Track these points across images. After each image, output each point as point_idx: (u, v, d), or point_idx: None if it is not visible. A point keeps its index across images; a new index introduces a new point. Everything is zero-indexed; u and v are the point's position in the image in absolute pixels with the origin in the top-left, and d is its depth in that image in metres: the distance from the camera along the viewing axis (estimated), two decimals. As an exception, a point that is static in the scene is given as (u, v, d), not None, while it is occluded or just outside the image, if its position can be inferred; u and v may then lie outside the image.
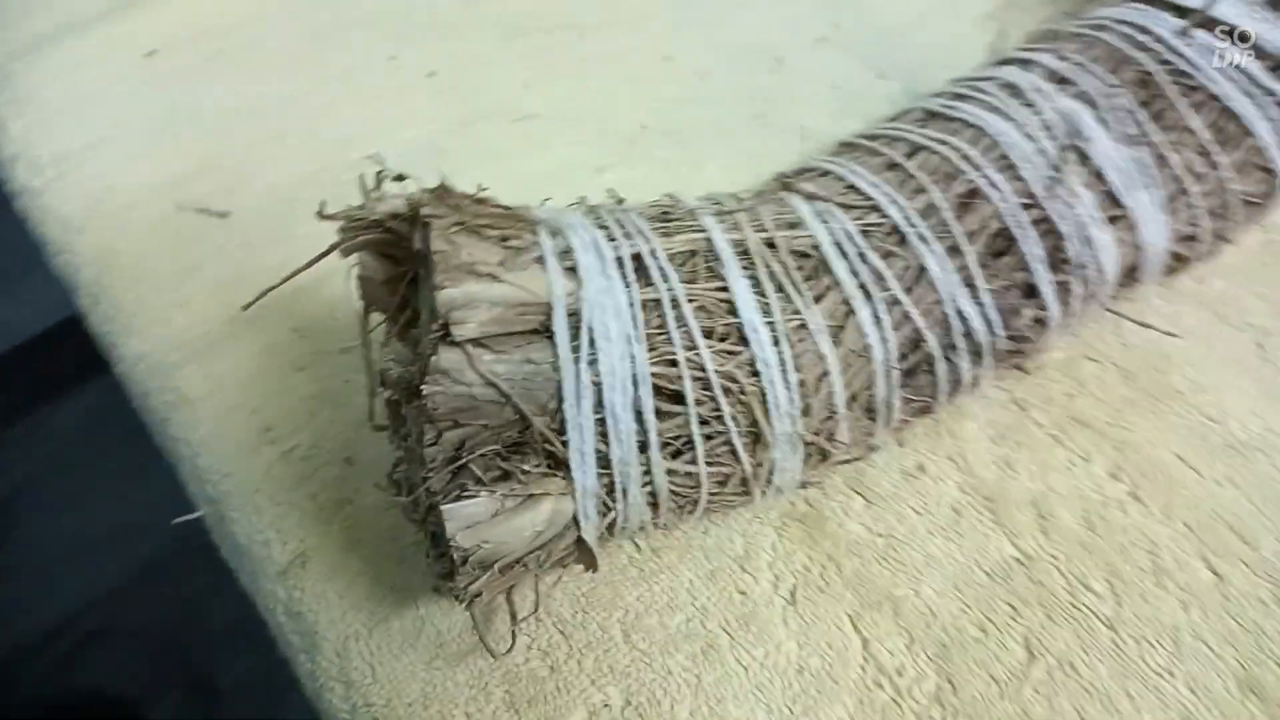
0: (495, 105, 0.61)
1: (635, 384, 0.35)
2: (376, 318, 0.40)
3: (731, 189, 0.56)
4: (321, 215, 0.38)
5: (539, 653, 0.40)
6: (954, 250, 0.40)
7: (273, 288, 0.40)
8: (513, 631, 0.39)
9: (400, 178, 0.37)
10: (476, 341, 0.33)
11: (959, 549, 0.43)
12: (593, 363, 0.34)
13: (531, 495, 0.35)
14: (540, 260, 0.35)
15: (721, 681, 0.40)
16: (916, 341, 0.40)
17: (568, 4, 0.68)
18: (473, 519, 0.34)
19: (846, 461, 0.42)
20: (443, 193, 0.35)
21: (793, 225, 0.40)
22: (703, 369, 0.36)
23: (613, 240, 0.36)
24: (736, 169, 0.56)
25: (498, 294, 0.33)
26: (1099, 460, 0.45)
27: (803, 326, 0.38)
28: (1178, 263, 0.47)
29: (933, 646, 0.41)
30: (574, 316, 0.34)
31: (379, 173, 0.37)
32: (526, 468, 0.35)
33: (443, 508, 0.34)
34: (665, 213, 0.39)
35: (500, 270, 0.34)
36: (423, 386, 0.32)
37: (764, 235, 0.39)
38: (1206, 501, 0.44)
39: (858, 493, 0.45)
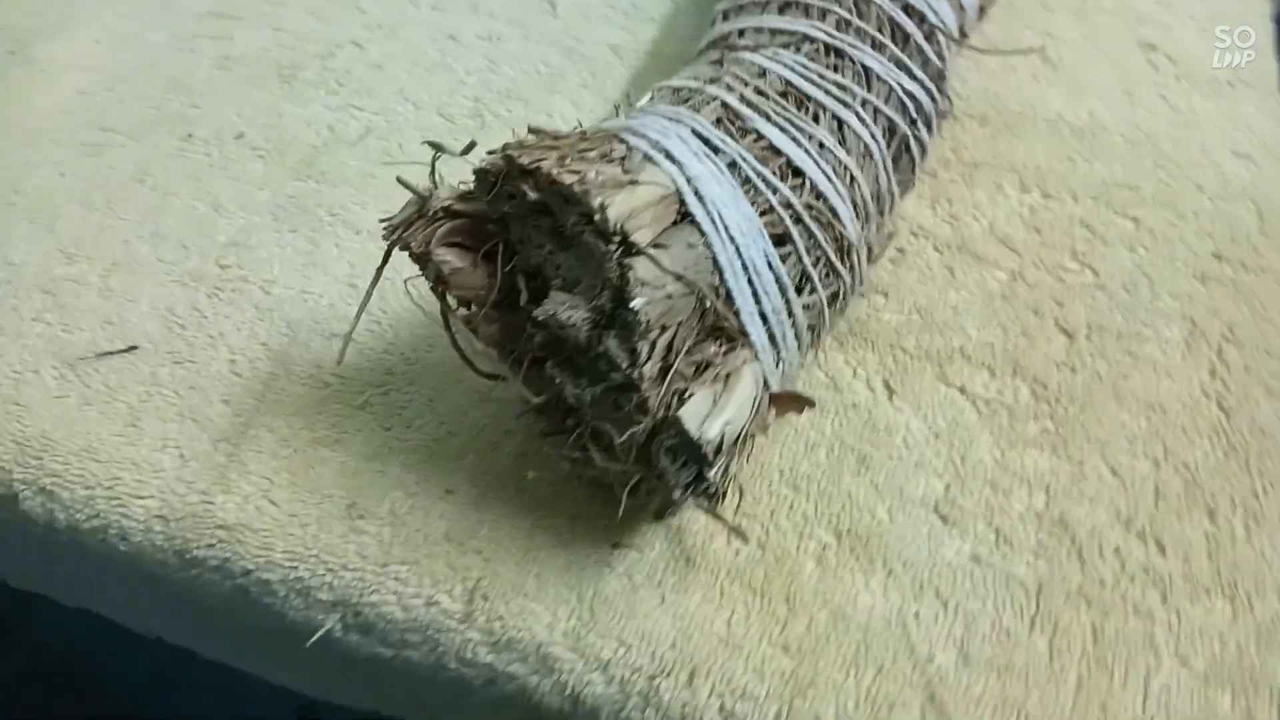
0: (332, 137, 0.58)
1: (761, 239, 0.38)
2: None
3: (590, 116, 0.58)
4: (385, 225, 0.36)
5: (725, 542, 0.42)
6: (877, 45, 0.46)
7: (350, 333, 0.37)
8: (736, 529, 0.40)
9: (469, 147, 0.36)
10: (654, 244, 0.34)
11: (968, 291, 0.50)
12: (728, 229, 0.36)
13: (730, 372, 0.36)
14: (647, 159, 0.36)
15: (887, 477, 0.44)
16: (891, 129, 0.46)
17: (330, 32, 0.65)
18: (702, 413, 0.35)
19: (878, 259, 0.47)
20: (523, 143, 0.35)
21: (762, 73, 0.44)
22: (789, 205, 0.39)
23: (671, 124, 0.38)
24: (584, 98, 0.58)
25: (642, 196, 0.34)
26: (1006, 183, 0.54)
27: (823, 146, 0.42)
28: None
29: (1008, 366, 0.47)
30: (696, 196, 0.36)
31: (434, 157, 0.36)
32: (713, 349, 0.36)
33: (679, 414, 0.34)
34: (681, 98, 0.41)
35: (625, 176, 0.35)
36: (633, 304, 0.33)
37: (752, 89, 0.42)
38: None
39: (880, 292, 0.50)
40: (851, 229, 0.41)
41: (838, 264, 0.41)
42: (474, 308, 0.38)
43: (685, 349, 0.35)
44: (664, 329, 0.34)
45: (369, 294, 0.38)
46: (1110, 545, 0.42)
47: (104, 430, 0.46)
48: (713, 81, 0.42)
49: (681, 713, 0.38)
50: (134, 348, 0.48)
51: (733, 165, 0.38)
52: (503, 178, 0.35)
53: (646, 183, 0.35)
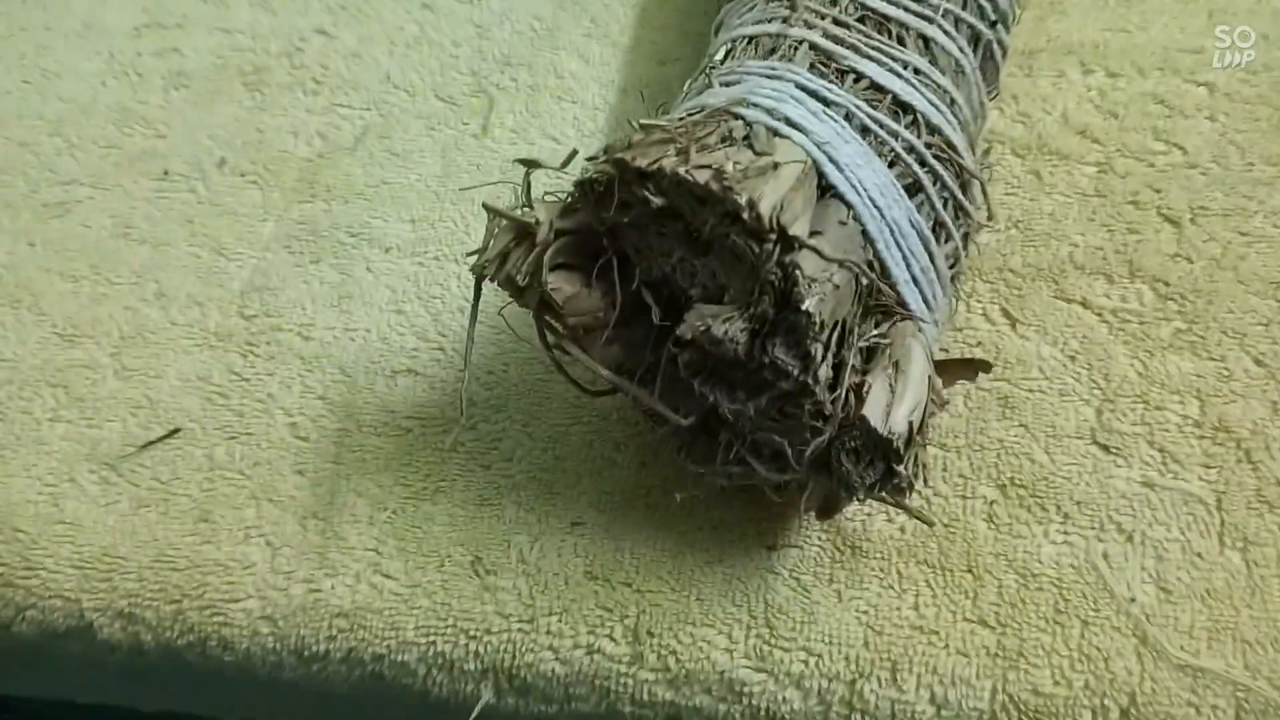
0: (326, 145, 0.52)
1: (901, 197, 0.33)
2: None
3: (603, 70, 0.53)
4: (478, 262, 0.31)
5: (886, 519, 0.39)
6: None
7: (465, 386, 0.33)
8: (920, 513, 0.37)
9: (570, 157, 0.31)
10: (811, 231, 0.30)
11: (1060, 194, 0.46)
12: (869, 194, 0.32)
13: (899, 352, 0.32)
14: (772, 133, 0.31)
15: (1035, 413, 0.41)
16: (975, 37, 0.41)
17: (288, 23, 0.58)
18: (884, 406, 0.31)
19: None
20: (630, 141, 0.30)
21: (834, 2, 0.39)
22: (912, 149, 0.35)
23: (775, 83, 0.34)
24: (591, 50, 0.53)
25: (786, 180, 0.30)
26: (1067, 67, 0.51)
27: (918, 72, 0.38)
28: None
29: (1122, 267, 0.44)
30: (832, 164, 0.32)
31: (526, 174, 0.31)
32: (876, 332, 0.32)
33: (863, 413, 0.31)
34: (766, 48, 0.36)
35: (762, 160, 0.30)
36: (805, 305, 0.29)
37: (830, 20, 0.38)
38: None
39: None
40: (969, 159, 0.37)
41: (964, 201, 0.37)
42: (578, 328, 0.34)
43: (860, 338, 0.31)
44: (834, 324, 0.30)
45: (470, 340, 0.34)
46: (1276, 440, 0.40)
47: (172, 533, 0.40)
48: (787, 20, 0.37)
49: (892, 712, 0.36)
50: (177, 431, 0.43)
51: (849, 116, 0.34)
52: (614, 185, 0.30)
53: (785, 162, 0.30)
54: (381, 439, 0.42)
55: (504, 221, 0.32)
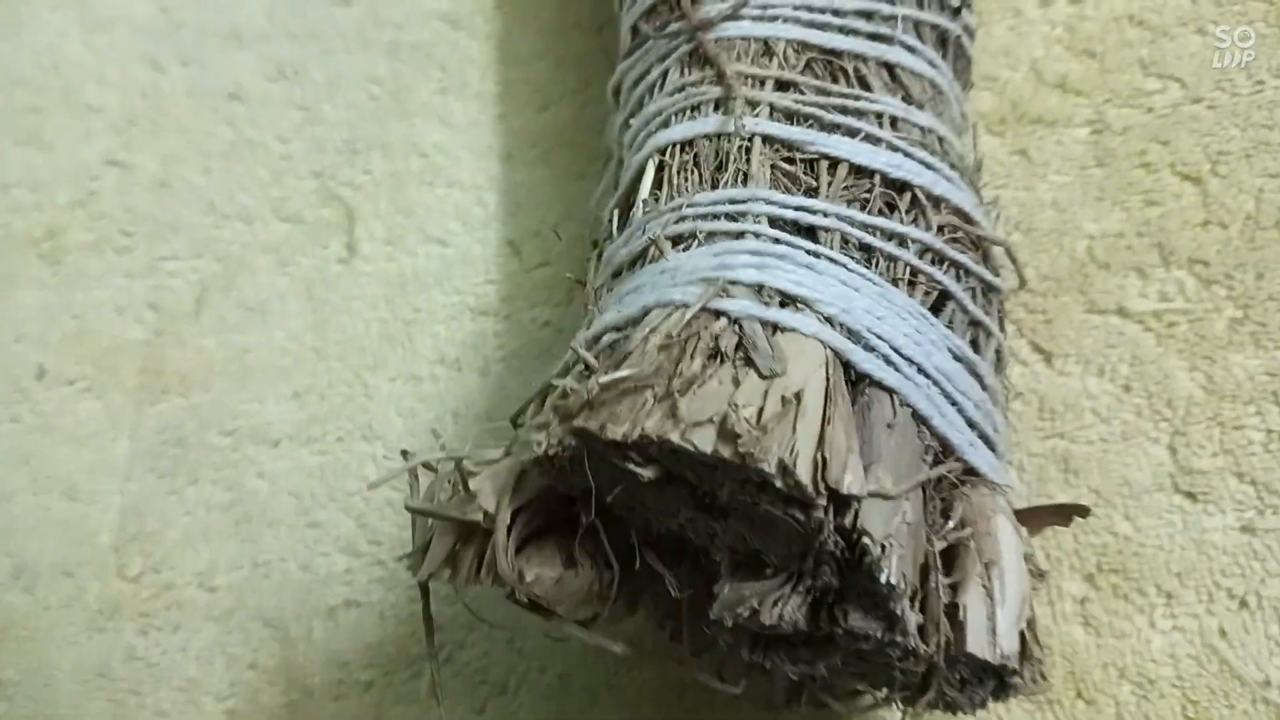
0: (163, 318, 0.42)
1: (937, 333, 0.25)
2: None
3: (470, 134, 0.43)
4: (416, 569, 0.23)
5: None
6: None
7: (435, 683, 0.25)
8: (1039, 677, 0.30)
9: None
10: (865, 464, 0.22)
11: (1055, 171, 0.39)
12: (903, 355, 0.24)
13: (984, 542, 0.25)
14: (768, 327, 0.23)
15: (1102, 471, 0.34)
16: (942, 37, 0.33)
17: (70, 158, 0.46)
18: (986, 622, 0.24)
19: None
20: (590, 396, 0.22)
21: (767, 50, 0.30)
22: (926, 248, 0.27)
23: (744, 228, 0.25)
24: (451, 108, 0.43)
25: (813, 409, 0.22)
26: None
27: (895, 122, 0.29)
28: None
29: (1151, 254, 0.37)
30: (852, 338, 0.24)
31: (456, 468, 0.23)
32: (952, 527, 0.25)
33: (967, 649, 0.24)
34: (713, 161, 0.27)
35: (775, 386, 0.22)
36: (884, 577, 0.21)
37: (772, 86, 0.29)
38: None
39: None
40: (985, 224, 0.29)
41: (993, 280, 0.29)
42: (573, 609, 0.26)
43: (934, 555, 0.24)
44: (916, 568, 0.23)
45: (433, 656, 0.25)
46: (1374, 436, 0.34)
47: None
48: (725, 109, 0.28)
49: None
50: (89, 759, 0.34)
51: (844, 241, 0.26)
52: (582, 460, 0.22)
53: (805, 379, 0.22)
54: (340, 703, 0.34)
55: (437, 522, 0.23)
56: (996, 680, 0.25)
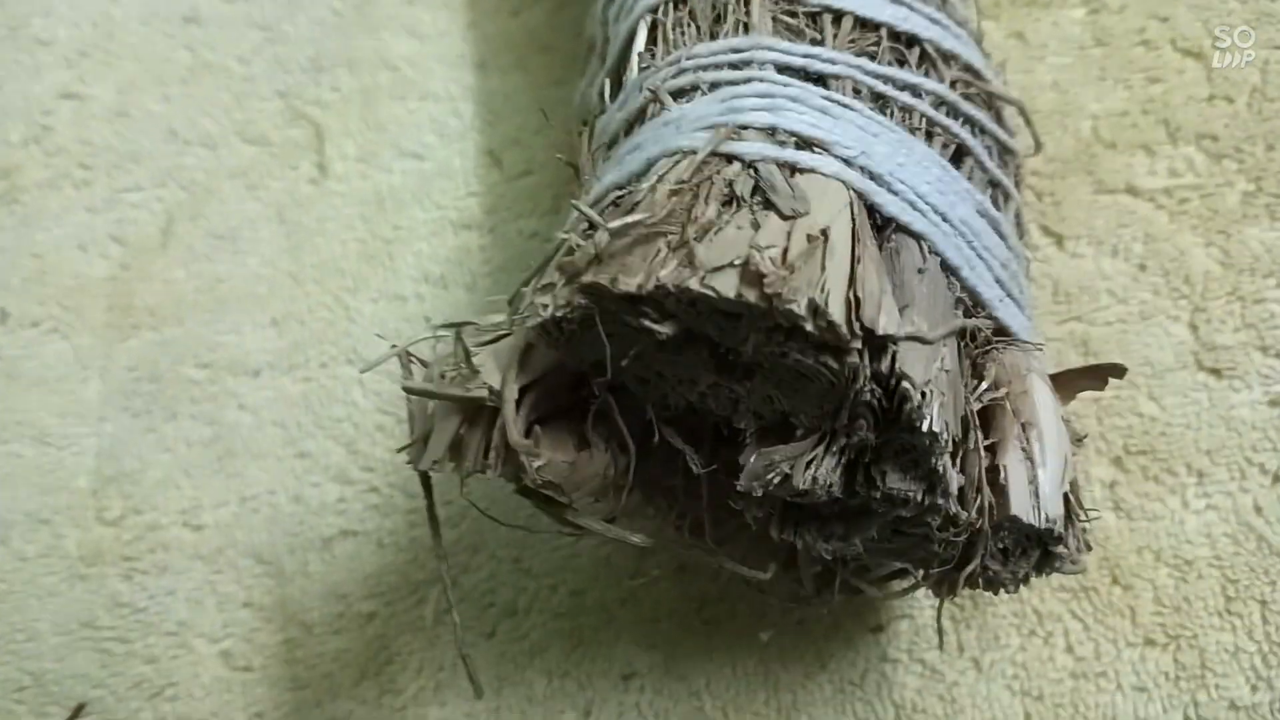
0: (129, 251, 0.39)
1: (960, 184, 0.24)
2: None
3: (447, 42, 0.41)
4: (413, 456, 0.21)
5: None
6: None
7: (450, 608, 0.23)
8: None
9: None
10: (901, 307, 0.20)
11: (1054, 52, 0.37)
12: (928, 203, 0.23)
13: (1020, 403, 0.24)
14: (786, 169, 0.21)
15: (1122, 349, 0.33)
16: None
17: (21, 93, 0.44)
18: (1028, 484, 0.23)
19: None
20: (598, 249, 0.20)
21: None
22: (941, 101, 0.25)
23: (750, 74, 0.23)
24: (421, 20, 0.40)
25: (841, 245, 0.20)
26: None
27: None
28: None
29: (1158, 131, 0.36)
30: (874, 180, 0.22)
31: (456, 334, 0.21)
32: (988, 386, 0.23)
33: (1012, 513, 0.22)
34: (711, 13, 0.25)
35: (799, 225, 0.20)
36: (925, 426, 0.20)
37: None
38: None
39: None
40: (995, 80, 0.28)
41: (1003, 136, 0.28)
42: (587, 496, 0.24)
43: (971, 414, 0.22)
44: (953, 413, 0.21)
45: (443, 558, 0.24)
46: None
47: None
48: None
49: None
50: (82, 708, 0.32)
51: (856, 89, 0.24)
52: (593, 320, 0.20)
53: (825, 209, 0.20)
54: (342, 637, 0.32)
55: (438, 404, 0.22)
56: (1040, 550, 0.24)
